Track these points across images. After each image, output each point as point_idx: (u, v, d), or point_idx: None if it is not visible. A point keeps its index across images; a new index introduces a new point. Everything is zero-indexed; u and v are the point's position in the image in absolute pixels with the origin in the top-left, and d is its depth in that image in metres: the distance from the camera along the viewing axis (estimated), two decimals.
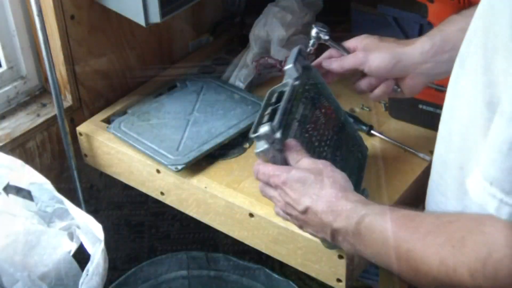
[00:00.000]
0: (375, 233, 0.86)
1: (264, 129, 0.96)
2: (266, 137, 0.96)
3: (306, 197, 0.94)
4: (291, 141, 1.00)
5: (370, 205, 0.91)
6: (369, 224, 0.87)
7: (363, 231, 0.88)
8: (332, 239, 0.94)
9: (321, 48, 1.22)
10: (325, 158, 1.09)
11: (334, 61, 1.18)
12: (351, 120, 1.27)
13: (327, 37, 1.19)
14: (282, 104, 1.02)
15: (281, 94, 1.06)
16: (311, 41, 1.21)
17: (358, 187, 1.16)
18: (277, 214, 1.03)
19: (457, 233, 0.77)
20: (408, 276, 0.83)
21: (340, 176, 0.96)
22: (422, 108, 1.36)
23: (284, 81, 1.08)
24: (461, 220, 0.80)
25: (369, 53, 1.14)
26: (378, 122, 1.40)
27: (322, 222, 0.93)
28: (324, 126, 1.15)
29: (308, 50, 1.20)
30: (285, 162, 0.99)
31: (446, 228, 0.80)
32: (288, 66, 1.09)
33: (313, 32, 1.20)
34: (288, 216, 1.00)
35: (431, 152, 1.30)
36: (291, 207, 0.97)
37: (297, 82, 1.07)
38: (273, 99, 1.06)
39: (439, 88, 1.32)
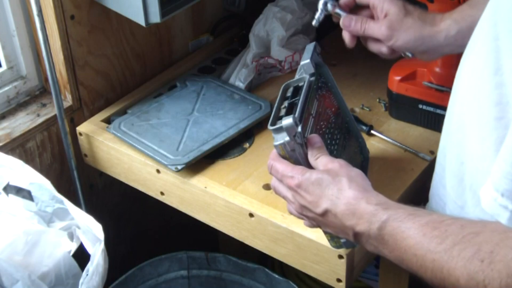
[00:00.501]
0: (398, 240, 0.85)
1: (287, 121, 0.93)
2: (289, 129, 0.94)
3: (324, 199, 0.92)
4: (314, 137, 0.98)
5: (391, 208, 0.88)
6: (392, 231, 0.86)
7: (386, 237, 0.86)
8: (354, 240, 0.92)
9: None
10: (336, 156, 1.07)
11: (356, 20, 1.14)
12: (354, 120, 1.26)
13: (336, 7, 1.16)
14: (301, 98, 1.00)
15: (296, 88, 1.04)
16: (318, 13, 1.17)
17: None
18: (290, 213, 1.01)
19: (484, 247, 0.76)
20: (436, 283, 0.82)
21: (358, 175, 0.93)
22: (422, 108, 1.36)
23: (298, 76, 1.06)
24: (485, 231, 0.79)
25: (395, 31, 1.11)
26: (378, 122, 1.40)
27: (343, 225, 0.91)
28: (334, 125, 1.13)
29: (314, 23, 1.17)
30: (304, 156, 0.97)
31: (472, 241, 0.78)
32: (305, 61, 1.06)
33: (320, 3, 1.16)
34: (303, 216, 0.99)
35: (431, 152, 1.31)
36: (307, 210, 0.96)
37: (312, 78, 1.06)
38: (289, 93, 1.04)
39: (439, 88, 1.32)
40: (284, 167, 0.96)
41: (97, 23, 1.44)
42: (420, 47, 1.12)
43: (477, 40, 0.91)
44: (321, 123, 1.07)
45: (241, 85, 1.50)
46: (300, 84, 1.04)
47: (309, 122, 1.02)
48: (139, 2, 1.29)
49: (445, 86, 1.32)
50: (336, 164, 0.94)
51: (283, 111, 0.99)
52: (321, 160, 0.96)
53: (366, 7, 1.16)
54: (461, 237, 0.79)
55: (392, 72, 1.38)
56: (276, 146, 0.96)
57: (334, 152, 1.10)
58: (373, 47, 1.16)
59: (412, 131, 1.38)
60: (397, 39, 1.11)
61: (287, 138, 0.94)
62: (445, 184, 0.99)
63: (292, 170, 0.95)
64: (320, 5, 1.17)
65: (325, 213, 0.92)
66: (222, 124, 1.38)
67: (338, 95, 1.17)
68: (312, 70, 1.06)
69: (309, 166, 0.97)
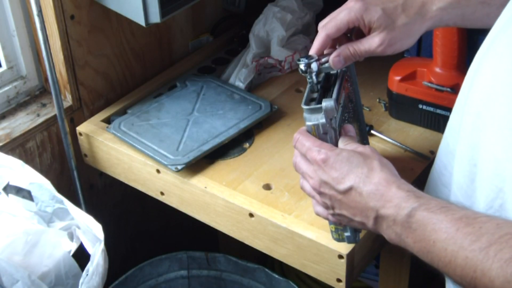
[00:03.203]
0: (427, 230, 0.82)
1: (329, 103, 0.94)
2: (328, 111, 0.94)
3: (351, 176, 0.89)
4: (349, 126, 0.98)
5: (424, 198, 0.85)
6: (422, 219, 0.83)
7: (414, 225, 0.83)
8: (374, 225, 0.89)
9: None
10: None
11: (342, 51, 1.03)
12: (363, 118, 1.24)
13: (320, 63, 1.04)
14: (337, 84, 1.00)
15: (328, 76, 1.03)
16: (313, 79, 1.03)
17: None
18: (302, 188, 0.99)
19: None
20: (460, 281, 0.80)
21: (389, 163, 0.92)
22: (422, 108, 1.36)
23: (327, 64, 1.03)
24: None
25: (388, 39, 1.01)
26: (378, 122, 1.40)
27: (366, 206, 0.88)
28: (353, 120, 1.13)
29: (316, 83, 1.03)
30: (334, 142, 0.97)
31: (510, 242, 0.75)
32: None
33: (303, 68, 1.02)
34: (318, 194, 0.96)
35: (431, 152, 1.31)
36: (328, 186, 0.92)
37: (344, 68, 1.04)
38: (320, 78, 1.03)
39: (439, 88, 1.33)
40: (312, 141, 0.94)
41: (97, 23, 1.44)
42: (414, 40, 1.05)
43: (500, 38, 0.88)
44: (345, 114, 1.06)
45: (241, 85, 1.50)
46: (332, 72, 1.03)
47: (338, 110, 1.00)
48: (139, 2, 1.29)
49: (445, 86, 1.32)
50: (368, 149, 0.93)
51: (315, 94, 0.99)
52: (351, 145, 0.94)
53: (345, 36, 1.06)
54: (497, 236, 0.76)
55: (392, 72, 1.38)
56: (308, 126, 0.95)
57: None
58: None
59: (412, 131, 1.38)
60: (394, 45, 1.02)
61: (323, 120, 0.94)
62: (449, 184, 0.98)
63: (321, 145, 0.93)
64: (307, 74, 1.03)
65: (348, 190, 0.90)
66: (222, 124, 1.38)
67: (357, 91, 1.17)
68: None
69: None
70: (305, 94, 0.99)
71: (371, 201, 0.88)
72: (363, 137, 1.24)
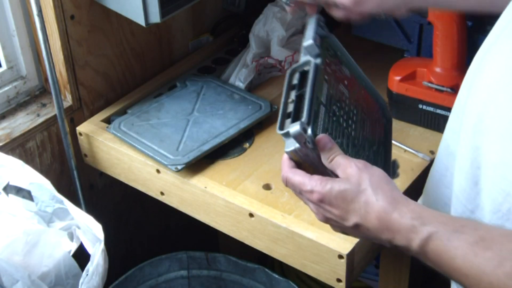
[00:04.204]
0: (445, 259, 0.78)
1: (294, 129, 0.85)
2: (297, 137, 0.86)
3: (351, 214, 0.85)
4: (322, 138, 0.88)
5: (430, 223, 0.80)
6: (436, 249, 0.79)
7: (430, 255, 0.79)
8: (393, 248, 0.86)
9: None
10: (354, 138, 0.99)
11: None
12: (370, 83, 1.12)
13: None
14: (307, 91, 0.90)
15: (303, 74, 0.94)
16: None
17: (387, 160, 1.07)
18: (318, 218, 0.93)
19: None
20: None
21: (381, 179, 0.85)
22: (422, 108, 1.36)
23: (303, 59, 0.96)
24: None
25: None
26: None
27: (378, 237, 0.84)
28: (349, 100, 1.02)
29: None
30: (318, 159, 0.89)
31: None
32: (308, 43, 0.96)
33: None
34: (333, 225, 0.92)
35: (431, 152, 1.31)
36: (334, 221, 0.89)
37: (318, 60, 0.95)
38: (295, 81, 0.94)
39: (439, 88, 1.33)
40: (300, 179, 0.88)
41: (97, 23, 1.44)
42: (388, 4, 1.03)
43: (502, 39, 0.87)
44: (334, 107, 0.97)
45: (241, 85, 1.50)
46: (306, 68, 0.94)
47: (319, 115, 0.92)
48: (139, 2, 1.29)
49: (445, 86, 1.32)
50: (354, 168, 0.85)
51: (291, 106, 0.91)
52: (336, 162, 0.87)
53: None
54: None
55: (392, 72, 1.38)
56: (287, 152, 0.90)
57: (352, 132, 1.00)
58: (338, 14, 1.06)
59: (412, 131, 1.38)
60: (364, 4, 0.99)
61: (298, 145, 0.87)
62: (451, 185, 0.97)
63: (310, 182, 0.87)
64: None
65: (356, 226, 0.86)
66: (222, 124, 1.38)
67: (349, 62, 1.06)
68: (317, 51, 0.95)
69: (326, 168, 0.90)
70: (280, 112, 0.91)
71: (381, 234, 0.84)
72: (377, 98, 1.13)
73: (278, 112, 0.91)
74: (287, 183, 0.91)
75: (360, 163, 0.86)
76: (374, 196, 0.83)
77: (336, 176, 0.87)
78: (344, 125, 0.99)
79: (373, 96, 1.11)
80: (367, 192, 0.84)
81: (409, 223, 0.80)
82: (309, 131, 0.87)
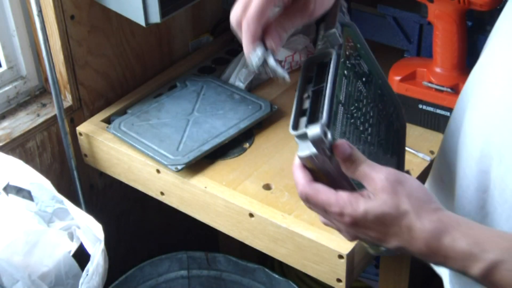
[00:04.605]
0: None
1: (313, 131, 0.73)
2: (316, 141, 0.73)
3: (391, 237, 0.75)
4: (341, 144, 0.75)
5: (492, 248, 0.71)
6: (501, 278, 0.71)
7: (499, 283, 0.71)
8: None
9: None
10: (370, 144, 0.88)
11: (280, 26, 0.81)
12: (387, 81, 0.97)
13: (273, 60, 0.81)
14: (328, 87, 0.78)
15: (321, 67, 0.82)
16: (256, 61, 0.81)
17: (401, 168, 0.95)
18: (347, 239, 0.83)
19: None
20: None
21: (419, 192, 0.75)
22: (422, 108, 1.36)
23: (321, 48, 0.84)
24: None
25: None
26: None
27: (425, 259, 0.76)
28: (366, 100, 0.90)
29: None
30: (337, 167, 0.77)
31: None
32: (330, 31, 0.82)
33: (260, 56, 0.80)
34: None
35: (431, 152, 1.31)
36: (369, 241, 0.79)
37: (340, 51, 0.82)
38: (312, 73, 0.82)
39: (439, 88, 1.32)
40: (324, 199, 0.76)
41: (97, 23, 1.44)
42: None
43: (505, 49, 0.83)
44: (352, 107, 0.84)
45: (241, 85, 1.50)
46: (326, 60, 0.82)
47: (338, 116, 0.80)
48: (139, 2, 1.29)
49: (445, 86, 1.32)
50: (386, 183, 0.74)
51: (306, 102, 0.79)
52: (362, 172, 0.75)
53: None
54: None
55: (392, 72, 1.38)
56: (301, 158, 0.76)
57: (368, 137, 0.88)
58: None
59: (412, 131, 1.37)
60: (317, 9, 0.83)
61: (315, 151, 0.74)
62: (446, 203, 0.93)
63: (338, 203, 0.75)
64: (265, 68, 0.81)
65: (398, 248, 0.76)
66: (222, 124, 1.38)
67: (369, 56, 0.91)
68: (339, 41, 0.82)
69: (346, 177, 0.78)
70: (293, 108, 0.79)
71: (429, 258, 0.75)
72: (393, 100, 0.98)
73: (292, 108, 0.79)
74: (307, 202, 0.78)
75: (391, 174, 0.75)
76: (418, 221, 0.73)
77: (361, 185, 0.77)
78: (361, 128, 0.87)
79: (389, 96, 0.98)
80: (408, 215, 0.73)
81: (465, 250, 0.72)
82: (329, 135, 0.74)
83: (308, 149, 0.75)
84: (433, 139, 1.35)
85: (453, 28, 1.27)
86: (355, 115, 0.85)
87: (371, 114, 0.90)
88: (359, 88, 0.88)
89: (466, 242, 0.72)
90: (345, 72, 0.84)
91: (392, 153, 0.88)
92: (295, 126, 0.77)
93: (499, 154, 0.81)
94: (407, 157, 1.31)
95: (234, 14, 0.80)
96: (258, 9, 0.78)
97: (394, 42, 1.50)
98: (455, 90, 1.30)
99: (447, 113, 1.32)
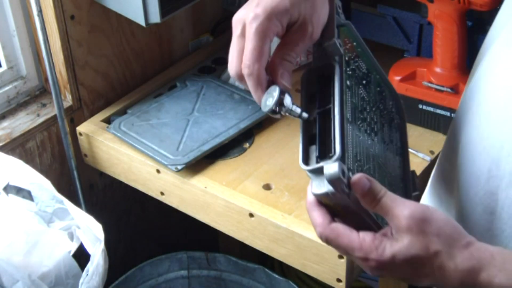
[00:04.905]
0: None
1: (331, 169, 0.67)
2: (334, 181, 0.67)
3: (422, 277, 0.70)
4: (359, 180, 0.69)
5: None
6: None
7: None
8: None
9: None
10: (378, 156, 0.82)
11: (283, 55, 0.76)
12: (384, 74, 0.89)
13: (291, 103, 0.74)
14: (336, 113, 0.71)
15: (323, 80, 0.76)
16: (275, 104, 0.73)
17: (406, 171, 0.89)
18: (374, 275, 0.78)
19: None
20: None
21: (449, 229, 0.69)
22: (422, 108, 1.36)
23: (316, 55, 0.77)
24: None
25: (310, 24, 0.76)
26: None
27: None
28: (369, 105, 0.83)
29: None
30: (354, 202, 0.70)
31: None
32: (331, 41, 0.75)
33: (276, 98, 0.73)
34: None
35: (431, 152, 1.31)
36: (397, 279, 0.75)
37: (342, 63, 0.76)
38: (314, 89, 0.76)
39: (439, 88, 1.32)
40: (346, 242, 0.70)
41: (97, 23, 1.44)
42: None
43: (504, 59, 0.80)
44: (358, 122, 0.79)
45: (241, 85, 1.50)
46: (326, 73, 0.76)
47: (348, 139, 0.73)
48: (139, 2, 1.29)
49: (445, 86, 1.32)
50: (412, 221, 0.68)
51: (313, 127, 0.73)
52: (384, 206, 0.70)
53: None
54: None
55: (392, 72, 1.38)
56: (316, 195, 0.71)
57: (376, 150, 0.82)
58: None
59: (412, 131, 1.37)
60: (315, 29, 0.77)
61: (332, 189, 0.68)
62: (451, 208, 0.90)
63: (362, 247, 0.70)
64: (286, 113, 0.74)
65: (430, 285, 0.72)
66: (222, 124, 1.38)
67: (366, 53, 0.85)
68: (340, 52, 0.76)
69: (365, 210, 0.72)
70: (300, 134, 0.73)
71: None
72: (392, 95, 0.91)
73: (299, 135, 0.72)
74: (328, 243, 0.72)
75: (416, 211, 0.69)
76: (450, 261, 0.68)
77: (380, 217, 0.73)
78: (369, 142, 0.80)
79: (387, 89, 0.91)
80: (440, 256, 0.68)
81: (505, 285, 0.68)
82: (346, 169, 0.68)
83: (323, 185, 0.69)
84: (433, 139, 1.35)
85: (453, 28, 1.27)
86: (362, 129, 0.79)
87: (375, 120, 0.84)
88: (362, 95, 0.82)
89: (506, 277, 0.68)
90: (348, 82, 0.78)
91: (395, 154, 0.85)
92: (306, 158, 0.71)
93: (510, 175, 0.78)
94: None
95: (231, 66, 0.75)
96: (255, 50, 0.73)
97: (394, 42, 1.50)
98: (455, 90, 1.30)
99: (447, 113, 1.32)
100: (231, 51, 0.75)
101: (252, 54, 0.73)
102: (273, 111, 0.72)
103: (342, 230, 0.70)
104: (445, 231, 0.69)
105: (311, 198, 0.72)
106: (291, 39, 0.75)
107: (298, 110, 0.73)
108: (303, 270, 1.21)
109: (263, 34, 0.73)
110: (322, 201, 0.71)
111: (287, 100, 0.72)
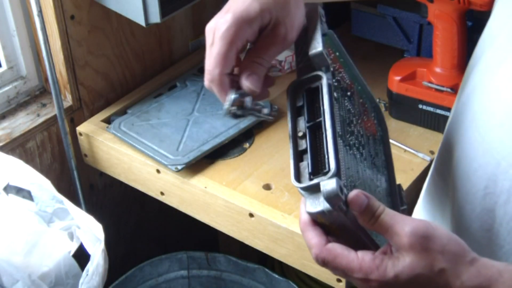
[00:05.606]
0: None
1: (328, 186, 0.63)
2: (332, 199, 0.64)
3: None
4: (358, 197, 0.66)
5: None
6: None
7: None
8: None
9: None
10: (368, 169, 0.79)
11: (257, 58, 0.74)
12: (365, 83, 0.86)
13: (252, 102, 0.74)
14: (328, 127, 0.68)
15: (309, 92, 0.73)
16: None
17: (392, 184, 0.87)
18: None
19: None
20: None
21: (454, 246, 0.67)
22: (422, 108, 1.36)
23: (301, 65, 0.75)
24: None
25: (287, 29, 0.74)
26: None
27: None
28: (355, 118, 0.79)
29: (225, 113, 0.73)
30: (351, 220, 0.67)
31: None
32: (316, 51, 0.71)
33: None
34: None
35: (431, 152, 1.31)
36: None
37: (330, 76, 0.72)
38: (300, 102, 0.73)
39: (439, 88, 1.33)
40: (345, 263, 0.67)
41: (97, 23, 1.44)
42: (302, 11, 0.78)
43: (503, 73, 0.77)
44: (348, 135, 0.75)
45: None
46: (313, 85, 0.73)
47: (340, 154, 0.69)
48: (139, 2, 1.29)
49: (445, 86, 1.32)
50: (414, 238, 0.65)
51: (303, 142, 0.70)
52: (383, 224, 0.67)
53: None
54: None
55: (392, 72, 1.38)
56: (311, 214, 0.67)
57: (365, 163, 0.79)
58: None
59: (412, 131, 1.38)
60: (289, 31, 0.74)
61: (328, 206, 0.65)
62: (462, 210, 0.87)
63: (362, 268, 0.66)
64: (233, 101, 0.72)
65: None
66: (222, 124, 1.38)
67: (347, 63, 0.81)
68: (327, 62, 0.72)
69: (362, 228, 0.69)
70: (291, 150, 0.69)
71: None
72: (373, 106, 0.88)
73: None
74: (324, 265, 0.69)
75: (418, 227, 0.66)
76: (457, 279, 0.66)
77: (375, 234, 0.70)
78: (358, 156, 0.77)
79: (369, 101, 0.88)
80: (445, 274, 0.66)
81: None
82: (345, 189, 0.65)
83: (319, 203, 0.66)
84: (433, 139, 1.35)
85: (453, 28, 1.27)
86: (351, 142, 0.76)
87: (361, 132, 0.81)
88: (348, 107, 0.79)
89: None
90: (335, 94, 0.74)
91: (381, 167, 0.82)
92: (298, 177, 0.67)
93: (507, 192, 0.77)
94: (407, 157, 1.31)
95: (205, 73, 0.73)
96: (218, 55, 0.71)
97: (394, 42, 1.50)
98: (455, 90, 1.30)
99: (447, 113, 1.32)
100: (205, 61, 0.73)
101: (214, 59, 0.71)
102: (234, 115, 0.71)
103: (339, 251, 0.67)
104: (449, 248, 0.66)
105: (305, 217, 0.69)
106: (263, 43, 0.74)
107: (261, 113, 0.73)
108: (303, 270, 1.21)
109: (229, 39, 0.72)
110: (317, 220, 0.67)
111: (247, 102, 0.71)
